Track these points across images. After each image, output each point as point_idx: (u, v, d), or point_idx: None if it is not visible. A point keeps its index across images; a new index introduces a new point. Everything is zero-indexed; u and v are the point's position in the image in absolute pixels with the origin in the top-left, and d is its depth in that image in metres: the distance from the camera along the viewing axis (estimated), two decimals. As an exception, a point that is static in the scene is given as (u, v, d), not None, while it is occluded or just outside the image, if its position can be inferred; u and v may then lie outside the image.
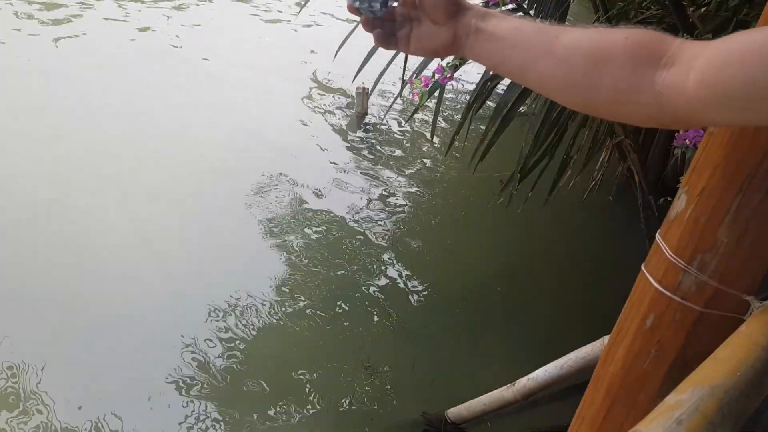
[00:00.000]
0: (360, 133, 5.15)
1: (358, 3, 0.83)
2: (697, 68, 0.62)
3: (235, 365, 2.93)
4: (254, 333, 3.12)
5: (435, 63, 2.75)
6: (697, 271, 0.97)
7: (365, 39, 0.97)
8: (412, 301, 3.50)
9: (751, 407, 0.79)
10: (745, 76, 0.57)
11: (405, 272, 3.68)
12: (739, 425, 0.79)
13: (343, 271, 3.59)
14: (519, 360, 3.03)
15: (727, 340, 0.85)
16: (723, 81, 0.59)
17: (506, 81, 3.41)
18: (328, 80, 5.92)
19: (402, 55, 3.56)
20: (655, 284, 1.02)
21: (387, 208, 4.23)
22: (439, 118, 5.52)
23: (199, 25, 6.68)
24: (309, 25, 7.17)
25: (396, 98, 4.25)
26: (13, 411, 2.57)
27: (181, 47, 6.11)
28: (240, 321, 3.17)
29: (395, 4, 0.85)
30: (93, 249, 3.47)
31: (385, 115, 5.34)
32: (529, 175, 3.44)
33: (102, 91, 5.04)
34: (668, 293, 1.00)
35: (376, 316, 3.34)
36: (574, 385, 2.50)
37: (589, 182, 3.94)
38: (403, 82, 3.74)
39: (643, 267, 1.07)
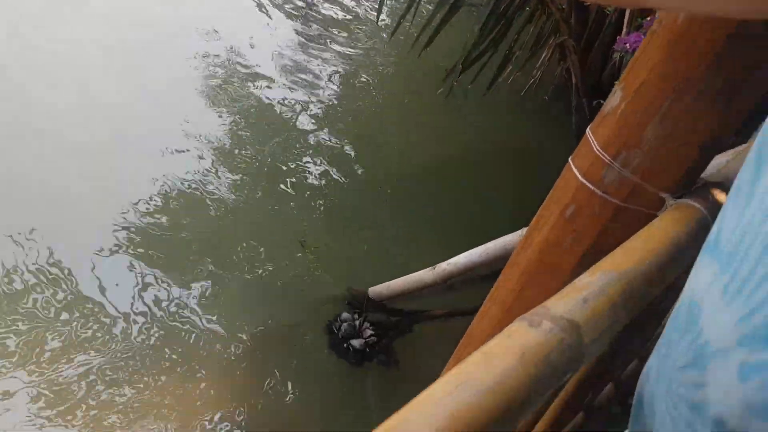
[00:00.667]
0: (302, 6, 4.94)
1: None
2: None
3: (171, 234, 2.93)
4: (191, 203, 3.10)
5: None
6: (620, 166, 1.00)
7: None
8: (346, 183, 3.52)
9: (652, 294, 0.85)
10: None
11: (340, 155, 3.66)
12: (639, 309, 0.85)
13: (279, 150, 3.55)
14: (443, 246, 3.13)
15: (638, 232, 0.89)
16: None
17: (458, -35, 3.32)
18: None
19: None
20: (580, 177, 1.05)
21: (327, 90, 4.14)
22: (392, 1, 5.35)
23: None
24: None
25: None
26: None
27: None
28: (175, 191, 3.13)
29: None
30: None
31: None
32: (471, 68, 3.42)
33: None
34: (591, 186, 1.03)
35: (312, 196, 3.35)
36: (492, 273, 2.63)
37: (528, 80, 3.95)
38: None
39: (570, 159, 1.10)
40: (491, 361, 0.63)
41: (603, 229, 1.05)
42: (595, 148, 1.02)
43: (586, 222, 1.06)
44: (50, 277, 2.64)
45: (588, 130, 1.06)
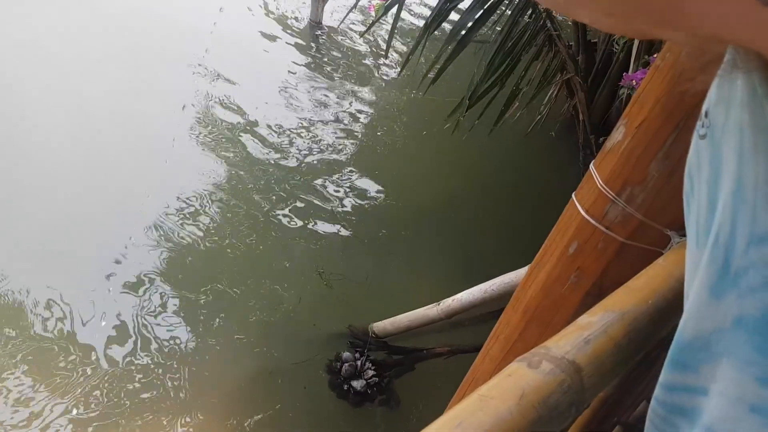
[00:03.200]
0: (311, 44, 5.00)
1: None
2: None
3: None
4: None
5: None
6: (624, 202, 0.98)
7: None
8: (357, 214, 3.52)
9: (658, 335, 0.83)
10: None
11: (341, 189, 3.67)
12: (644, 350, 0.83)
13: (294, 181, 3.57)
14: (449, 282, 3.10)
15: (643, 270, 0.87)
16: None
17: (464, 4, 3.35)
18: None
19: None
20: (583, 212, 1.03)
21: (335, 126, 4.17)
22: (398, 42, 5.41)
23: None
24: None
25: (352, 9, 4.11)
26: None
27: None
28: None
29: None
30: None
31: (338, 26, 5.17)
32: (478, 105, 3.43)
33: None
34: (594, 222, 1.02)
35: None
36: (498, 310, 2.60)
37: (535, 116, 3.96)
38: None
39: (573, 195, 1.08)
40: (489, 403, 0.61)
41: (607, 266, 1.03)
42: (598, 184, 1.01)
43: (589, 259, 1.04)
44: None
45: (591, 165, 1.04)
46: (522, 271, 2.31)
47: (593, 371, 0.68)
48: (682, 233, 0.97)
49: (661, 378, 0.54)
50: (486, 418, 0.58)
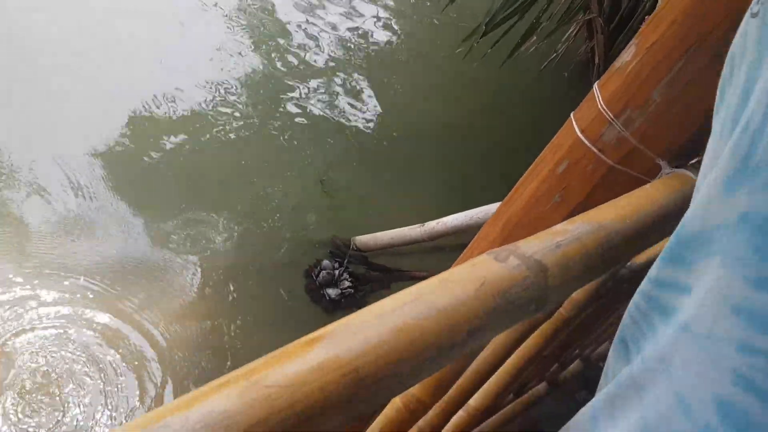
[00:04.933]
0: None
1: None
2: None
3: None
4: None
5: None
6: (621, 126, 0.96)
7: None
8: (360, 126, 3.48)
9: (630, 254, 0.82)
10: None
11: (353, 102, 3.61)
12: (612, 267, 0.83)
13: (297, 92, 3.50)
14: (440, 207, 3.10)
15: (629, 192, 0.86)
16: None
17: None
18: None
19: None
20: (578, 132, 1.01)
21: (348, 38, 4.06)
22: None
23: None
24: None
25: None
26: None
27: None
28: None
29: None
30: None
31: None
32: (492, 33, 3.35)
33: None
34: (588, 143, 1.00)
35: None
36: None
37: (550, 54, 3.87)
38: None
39: (572, 114, 1.06)
40: (448, 286, 0.60)
41: (593, 189, 1.02)
42: (599, 104, 0.98)
43: (577, 179, 1.03)
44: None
45: (595, 84, 1.01)
46: (510, 202, 2.31)
47: (558, 273, 0.67)
48: (674, 164, 0.95)
49: (651, 272, 0.53)
50: (443, 298, 0.58)
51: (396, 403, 0.83)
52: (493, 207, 2.38)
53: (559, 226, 0.75)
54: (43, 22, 3.18)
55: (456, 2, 3.23)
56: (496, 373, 0.99)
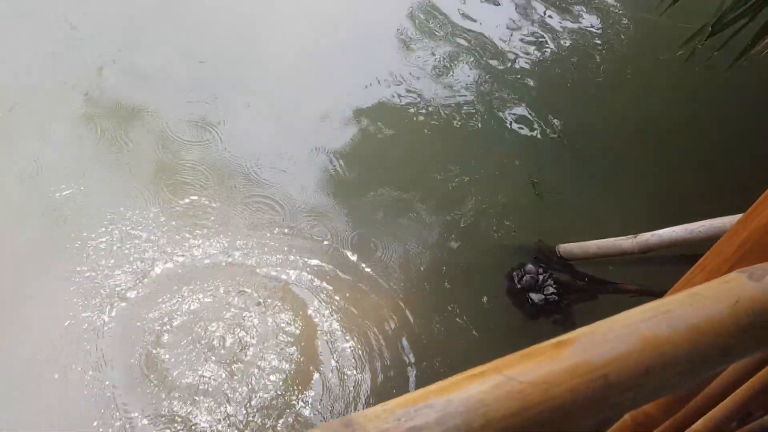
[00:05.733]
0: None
1: None
2: None
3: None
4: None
5: None
6: None
7: None
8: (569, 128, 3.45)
9: None
10: None
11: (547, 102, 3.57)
12: None
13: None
14: (645, 217, 2.95)
15: None
16: None
17: None
18: None
19: None
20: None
21: (556, 38, 4.00)
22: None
23: None
24: None
25: None
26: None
27: None
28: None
29: None
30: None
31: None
32: (719, 34, 3.11)
33: None
34: None
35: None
36: (696, 255, 2.43)
37: (785, 56, 3.49)
38: None
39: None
40: (699, 302, 0.59)
41: None
42: None
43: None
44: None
45: None
46: (737, 218, 2.14)
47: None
48: None
49: None
50: (695, 313, 0.57)
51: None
52: (717, 221, 2.22)
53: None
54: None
55: (677, 3, 3.03)
56: (729, 397, 0.94)
